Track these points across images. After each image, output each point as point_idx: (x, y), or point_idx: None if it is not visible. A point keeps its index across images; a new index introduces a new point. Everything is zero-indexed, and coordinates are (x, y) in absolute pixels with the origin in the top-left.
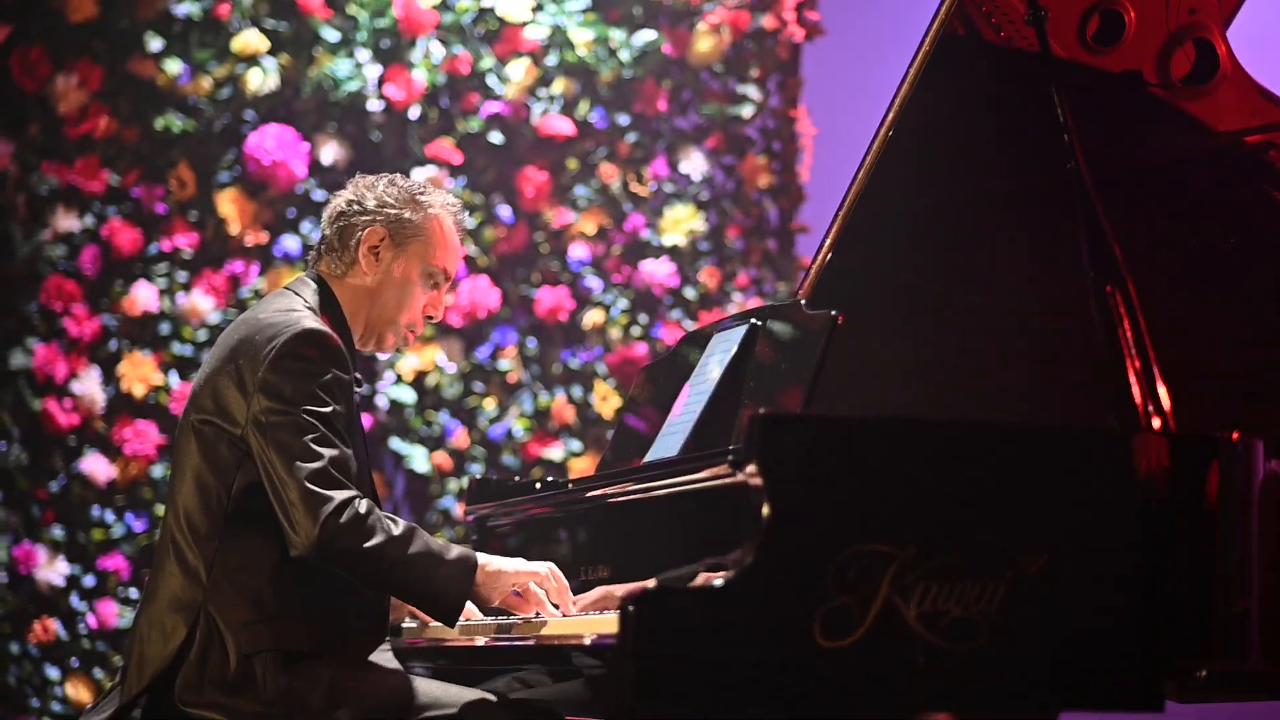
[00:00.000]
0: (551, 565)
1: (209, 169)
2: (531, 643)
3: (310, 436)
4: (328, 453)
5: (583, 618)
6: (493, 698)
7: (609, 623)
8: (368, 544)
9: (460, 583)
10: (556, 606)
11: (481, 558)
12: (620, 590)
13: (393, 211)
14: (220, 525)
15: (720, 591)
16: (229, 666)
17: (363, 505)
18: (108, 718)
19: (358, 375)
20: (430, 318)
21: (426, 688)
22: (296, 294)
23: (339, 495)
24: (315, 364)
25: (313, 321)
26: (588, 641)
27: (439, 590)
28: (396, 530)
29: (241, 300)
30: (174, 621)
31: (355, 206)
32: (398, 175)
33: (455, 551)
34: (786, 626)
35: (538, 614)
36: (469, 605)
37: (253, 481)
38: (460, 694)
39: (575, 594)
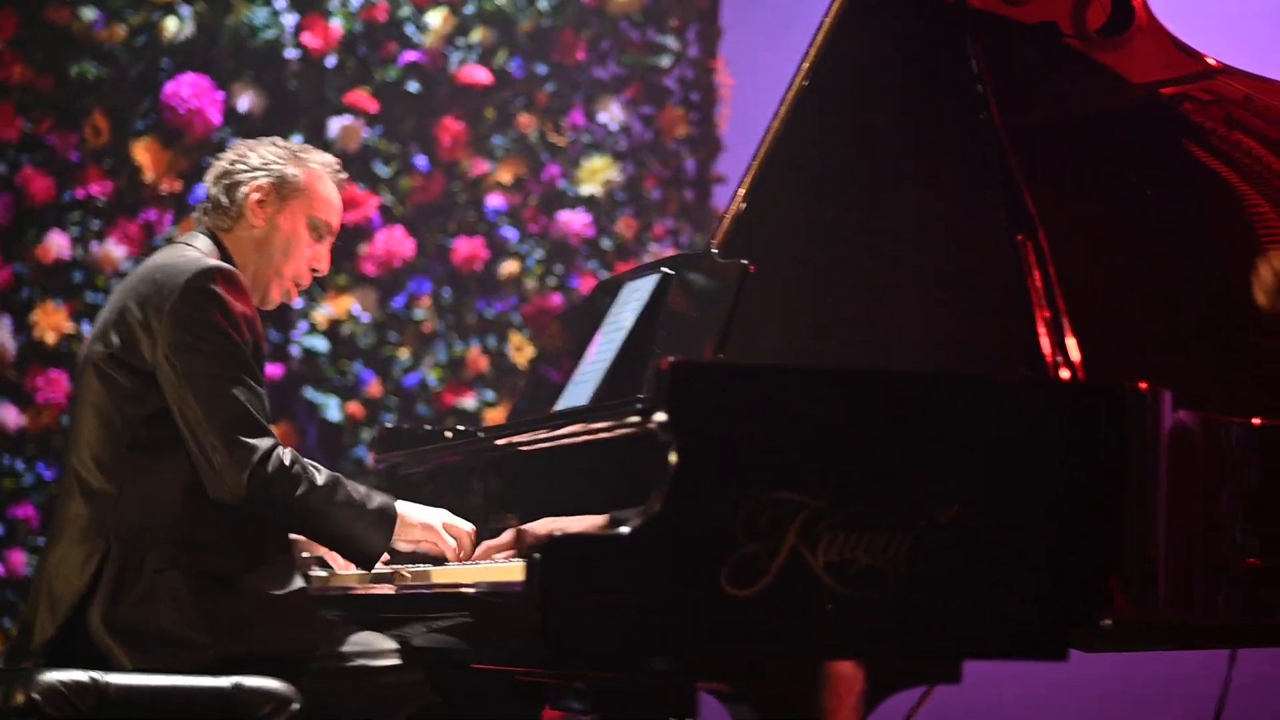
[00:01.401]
0: (469, 530)
1: (124, 117)
2: (440, 591)
3: (228, 377)
4: (247, 396)
5: (491, 565)
6: (395, 645)
7: (517, 570)
8: (295, 493)
9: (381, 532)
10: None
11: (399, 507)
12: (530, 531)
13: (276, 167)
14: (126, 455)
15: (627, 539)
16: (141, 591)
17: (287, 454)
18: (23, 660)
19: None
20: (316, 271)
21: (331, 626)
22: (190, 245)
23: (263, 443)
24: (224, 300)
25: (216, 260)
26: (495, 590)
27: (360, 538)
28: (321, 479)
29: (155, 249)
30: (83, 553)
31: (240, 165)
32: (277, 137)
33: (377, 501)
34: (693, 574)
35: (446, 563)
36: None
37: (158, 410)
38: (368, 639)
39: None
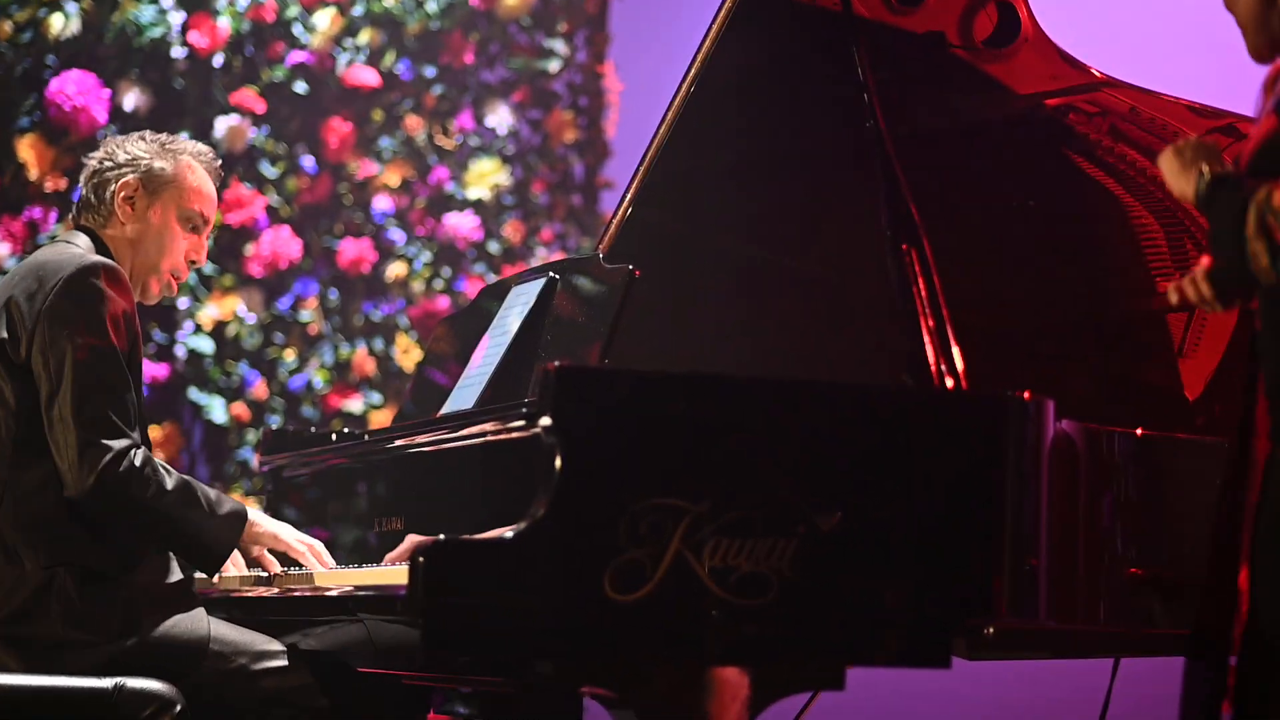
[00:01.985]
0: (318, 542)
1: (9, 114)
2: (324, 594)
3: (93, 377)
4: (109, 398)
5: (376, 569)
6: (280, 646)
7: (401, 574)
8: (144, 495)
9: (231, 534)
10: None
11: (251, 513)
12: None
13: (144, 161)
14: (10, 453)
15: (511, 543)
16: (26, 590)
17: (139, 456)
18: None
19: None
20: (193, 263)
21: (220, 630)
22: (72, 243)
23: (117, 444)
24: (103, 296)
25: (98, 257)
26: (379, 593)
27: (208, 543)
28: (171, 483)
29: (39, 247)
30: None
31: (108, 163)
32: (148, 131)
33: (228, 506)
34: (577, 579)
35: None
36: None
37: (37, 404)
38: (252, 640)
39: (387, 548)
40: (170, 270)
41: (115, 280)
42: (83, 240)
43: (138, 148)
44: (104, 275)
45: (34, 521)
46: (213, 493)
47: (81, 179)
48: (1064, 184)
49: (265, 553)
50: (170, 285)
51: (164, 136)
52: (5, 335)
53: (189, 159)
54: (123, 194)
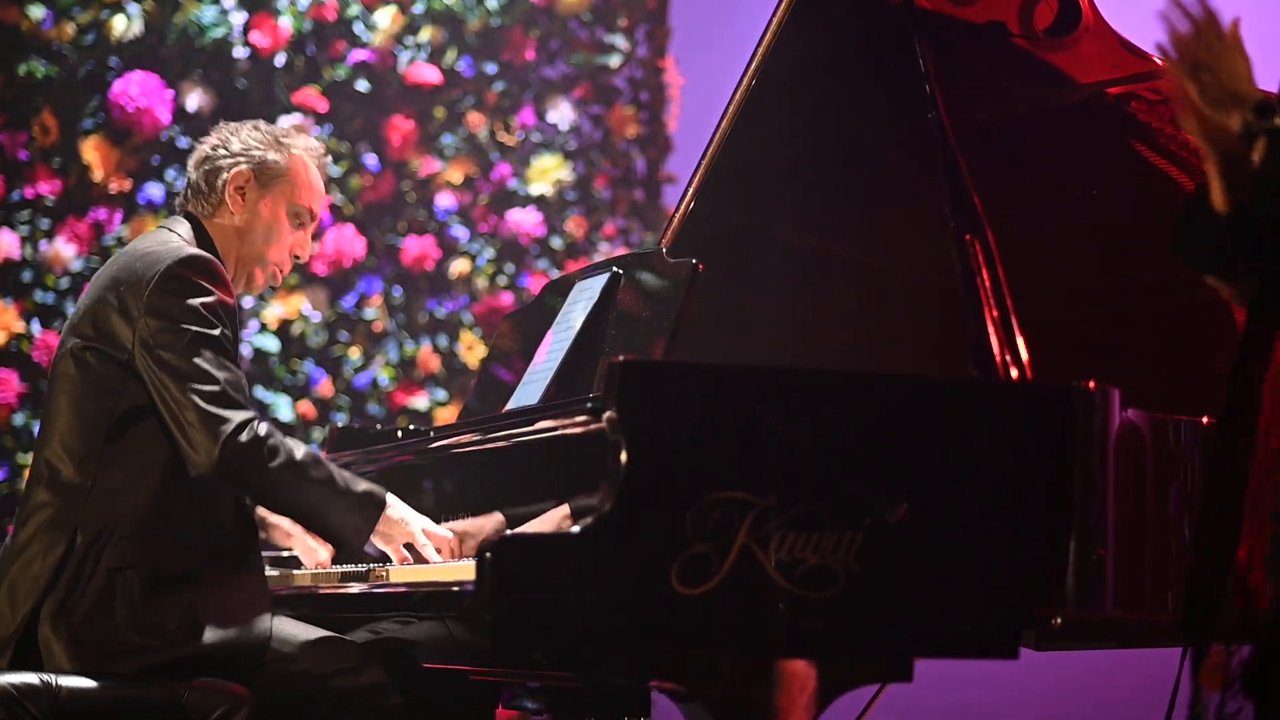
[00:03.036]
0: (445, 535)
1: (73, 115)
2: (393, 591)
3: (203, 358)
4: (222, 374)
5: (441, 565)
6: (349, 644)
7: (467, 569)
8: (270, 464)
9: (361, 517)
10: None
11: (390, 499)
12: (476, 528)
13: (257, 153)
14: (100, 447)
15: (577, 538)
16: (95, 589)
17: (263, 426)
18: None
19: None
20: (297, 258)
21: (283, 627)
22: (172, 230)
23: (238, 415)
24: (201, 287)
25: (195, 249)
26: (446, 589)
27: (338, 521)
28: (299, 454)
29: (105, 248)
30: (45, 543)
31: (221, 150)
32: (260, 121)
33: (362, 486)
34: (644, 573)
35: (391, 562)
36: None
37: (137, 405)
38: (320, 639)
39: None
40: (275, 263)
41: (212, 273)
42: (184, 229)
43: (252, 138)
44: (201, 267)
45: (114, 520)
46: (349, 474)
47: (191, 163)
48: (1126, 172)
49: (399, 548)
50: (274, 277)
51: (277, 128)
52: (96, 330)
53: (301, 153)
54: (234, 184)
